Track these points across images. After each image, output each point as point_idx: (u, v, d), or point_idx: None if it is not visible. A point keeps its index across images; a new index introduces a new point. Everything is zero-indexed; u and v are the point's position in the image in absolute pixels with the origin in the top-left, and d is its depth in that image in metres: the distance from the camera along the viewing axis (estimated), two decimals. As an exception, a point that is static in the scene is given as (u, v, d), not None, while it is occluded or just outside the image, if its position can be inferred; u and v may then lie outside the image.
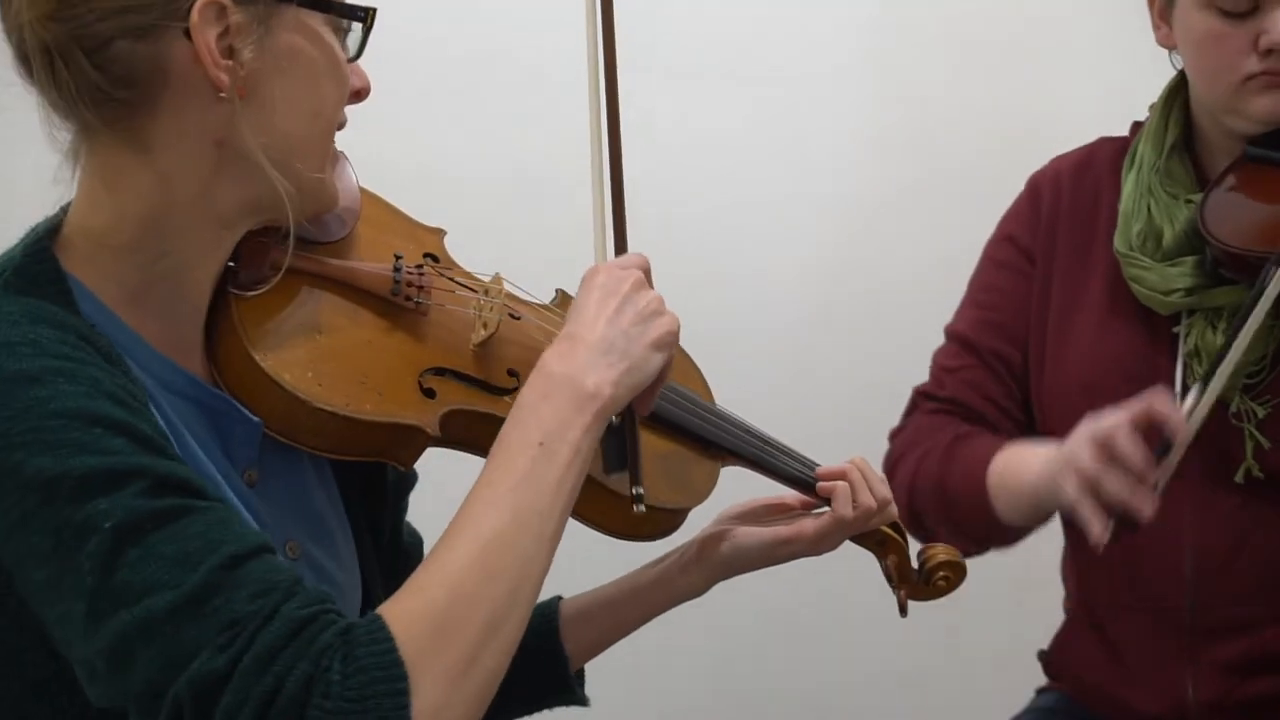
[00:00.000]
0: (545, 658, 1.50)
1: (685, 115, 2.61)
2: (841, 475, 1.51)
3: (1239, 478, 1.76)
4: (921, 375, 2.02)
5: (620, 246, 1.37)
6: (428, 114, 2.51)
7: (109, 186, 1.20)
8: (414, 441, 1.32)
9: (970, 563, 1.62)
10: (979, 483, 1.80)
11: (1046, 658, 2.01)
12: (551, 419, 1.15)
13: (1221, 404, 1.75)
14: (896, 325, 2.61)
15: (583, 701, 1.54)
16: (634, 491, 1.30)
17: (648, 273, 1.29)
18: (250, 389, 1.26)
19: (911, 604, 1.58)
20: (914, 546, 1.61)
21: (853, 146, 2.72)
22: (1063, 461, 1.63)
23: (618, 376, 1.20)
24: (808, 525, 1.50)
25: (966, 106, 2.74)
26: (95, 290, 1.20)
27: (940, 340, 2.02)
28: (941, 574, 1.58)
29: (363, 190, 1.41)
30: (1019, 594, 2.44)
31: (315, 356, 1.29)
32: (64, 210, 1.24)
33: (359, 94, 1.29)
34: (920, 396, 1.98)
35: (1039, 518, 1.79)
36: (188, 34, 1.14)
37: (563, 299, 1.53)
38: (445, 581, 1.06)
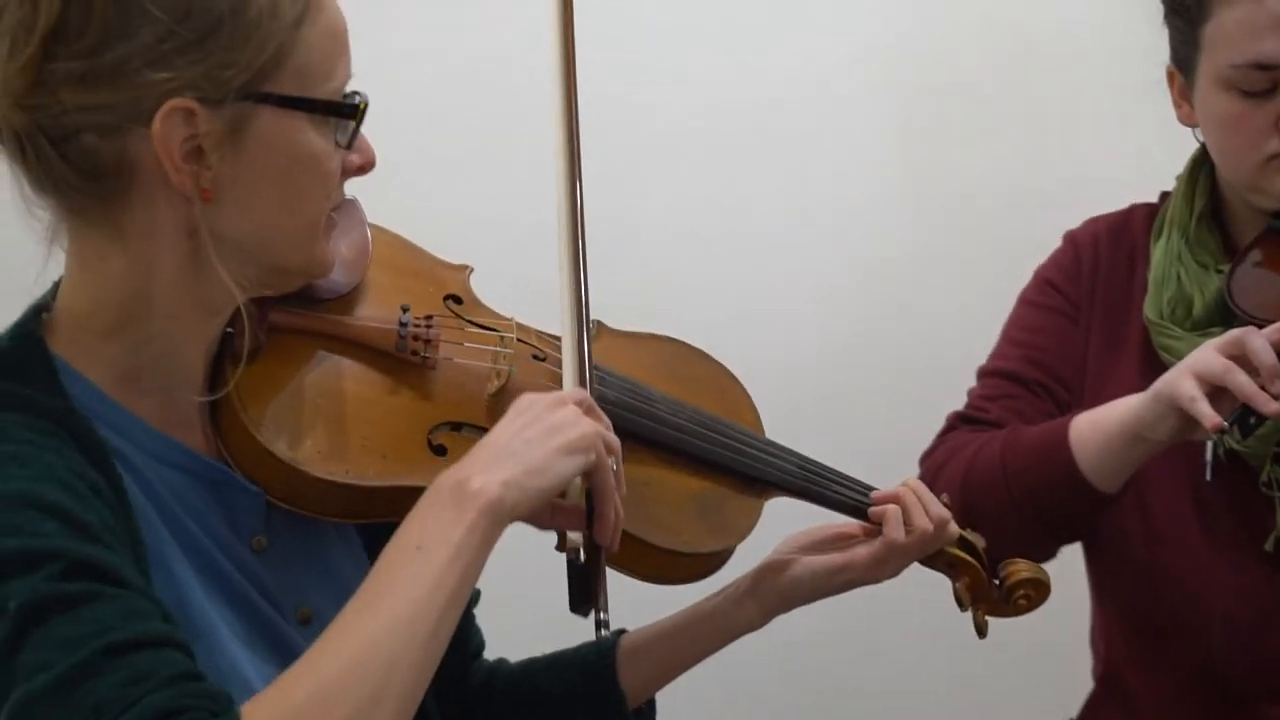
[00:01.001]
0: (602, 696, 1.47)
1: (705, 178, 2.62)
2: (895, 499, 1.49)
3: (1269, 546, 1.75)
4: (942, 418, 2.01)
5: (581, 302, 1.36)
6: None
7: (86, 270, 1.20)
8: None
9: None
10: (1059, 440, 1.75)
11: (1075, 727, 2.01)
12: (430, 522, 1.12)
13: (1251, 473, 1.75)
14: (919, 384, 2.63)
15: None
16: (596, 621, 1.23)
17: (585, 405, 1.24)
18: (250, 460, 1.25)
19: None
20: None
21: (872, 209, 2.73)
22: (1177, 371, 1.63)
23: (508, 476, 1.14)
24: (861, 552, 1.47)
25: (987, 168, 2.75)
26: (84, 371, 1.20)
27: (964, 384, 2.00)
28: (1022, 592, 1.55)
29: (377, 231, 1.37)
30: (1047, 662, 2.43)
31: (314, 423, 1.26)
32: (56, 287, 1.24)
33: (362, 169, 1.27)
34: (959, 419, 1.93)
35: (1132, 460, 1.72)
36: None
37: (599, 330, 1.49)
38: (306, 681, 1.04)
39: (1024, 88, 2.78)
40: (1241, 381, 1.59)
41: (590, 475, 1.22)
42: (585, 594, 1.23)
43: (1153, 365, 1.83)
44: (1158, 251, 1.88)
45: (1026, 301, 1.99)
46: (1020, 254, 2.07)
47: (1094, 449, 1.73)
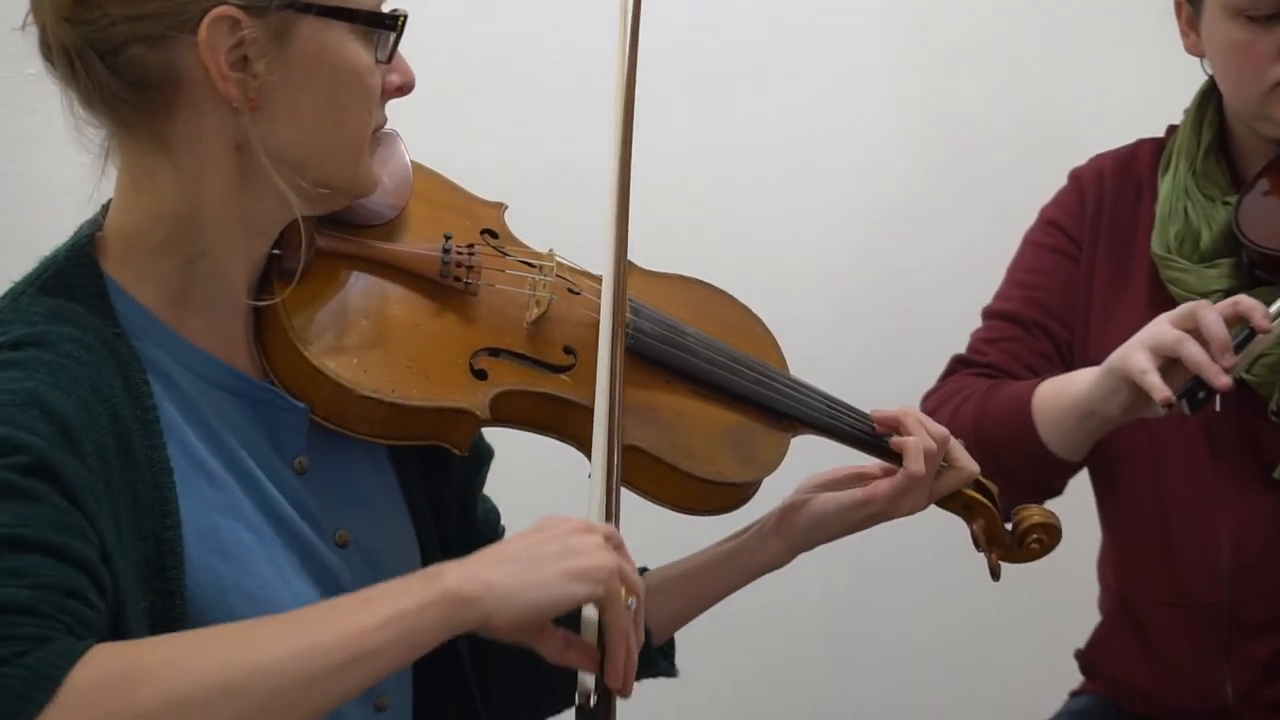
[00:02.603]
0: None
1: (710, 117, 2.61)
2: (898, 420, 1.49)
3: (1278, 474, 1.76)
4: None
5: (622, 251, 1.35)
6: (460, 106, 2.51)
7: (138, 186, 1.22)
8: (464, 424, 1.31)
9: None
10: (1022, 408, 1.78)
11: (1083, 657, 2.02)
12: (396, 586, 1.07)
13: (1260, 401, 1.76)
14: (925, 325, 2.62)
15: (669, 673, 1.52)
16: None
17: (614, 541, 1.15)
18: (297, 377, 1.27)
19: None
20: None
21: (879, 147, 2.71)
22: (1129, 344, 1.64)
23: (497, 580, 1.07)
24: (881, 486, 1.48)
25: (992, 105, 2.73)
26: (133, 292, 1.21)
27: (965, 334, 2.00)
28: (1035, 536, 1.56)
29: (417, 166, 1.39)
30: (1049, 597, 2.45)
31: (361, 343, 1.29)
32: (105, 209, 1.25)
33: (401, 89, 1.28)
34: (958, 363, 1.96)
35: (1086, 434, 1.75)
36: None
37: (630, 269, 1.47)
38: (171, 642, 1.04)
39: (1028, 19, 2.76)
40: (1193, 352, 1.59)
41: (602, 611, 1.14)
42: None
43: (1161, 298, 1.84)
44: (1165, 185, 1.89)
45: (1031, 242, 2.00)
46: (1024, 187, 2.07)
47: (1052, 420, 1.76)
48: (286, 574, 1.23)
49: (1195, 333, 1.60)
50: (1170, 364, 1.61)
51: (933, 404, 1.92)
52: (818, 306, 2.67)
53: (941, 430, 1.51)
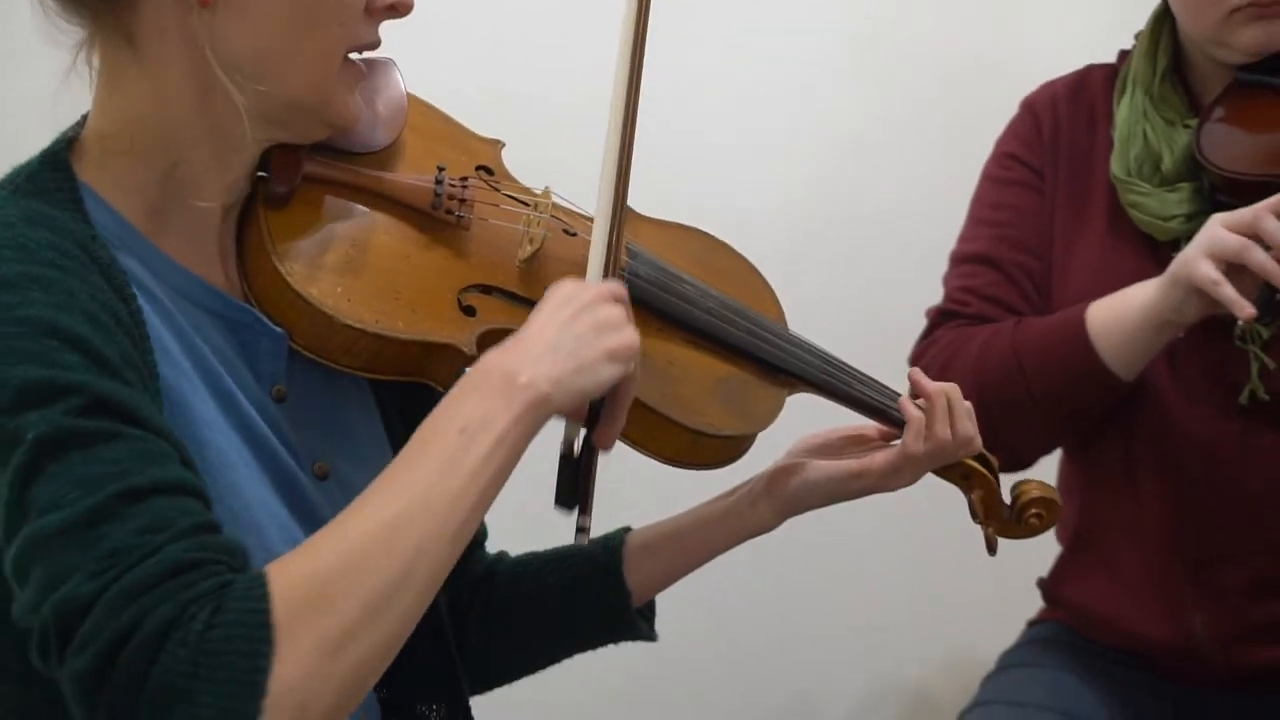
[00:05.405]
0: (606, 591, 1.45)
1: (655, 55, 2.58)
2: (928, 397, 1.44)
3: (1243, 400, 1.75)
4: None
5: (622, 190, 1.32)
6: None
7: (109, 87, 1.18)
8: (449, 360, 1.27)
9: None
10: (1076, 333, 1.74)
11: (1047, 585, 2.01)
12: (476, 407, 1.09)
13: (1224, 326, 1.75)
14: (878, 257, 2.60)
15: (649, 637, 1.49)
16: (578, 524, 1.22)
17: (623, 301, 1.21)
18: (278, 304, 1.23)
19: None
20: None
21: (823, 82, 2.68)
22: (1191, 252, 1.61)
23: (559, 374, 1.12)
24: (877, 459, 1.43)
25: (933, 36, 2.71)
26: (111, 200, 1.17)
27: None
28: (1034, 511, 1.53)
29: (413, 98, 1.36)
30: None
31: (346, 271, 1.25)
32: (85, 118, 1.22)
33: (394, 9, 1.23)
34: (941, 316, 1.92)
35: (1157, 346, 1.72)
36: None
37: (628, 214, 1.44)
38: (338, 548, 1.01)
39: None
40: (1261, 259, 1.57)
41: (619, 383, 1.19)
42: (572, 493, 1.22)
43: (1120, 223, 1.83)
44: (1122, 109, 1.87)
45: (990, 178, 1.97)
46: (979, 121, 2.05)
47: (1118, 340, 1.72)
48: (265, 497, 1.19)
49: (1256, 239, 1.59)
50: (1232, 269, 1.59)
51: (937, 361, 1.84)
52: (769, 244, 2.64)
53: (966, 432, 1.44)
